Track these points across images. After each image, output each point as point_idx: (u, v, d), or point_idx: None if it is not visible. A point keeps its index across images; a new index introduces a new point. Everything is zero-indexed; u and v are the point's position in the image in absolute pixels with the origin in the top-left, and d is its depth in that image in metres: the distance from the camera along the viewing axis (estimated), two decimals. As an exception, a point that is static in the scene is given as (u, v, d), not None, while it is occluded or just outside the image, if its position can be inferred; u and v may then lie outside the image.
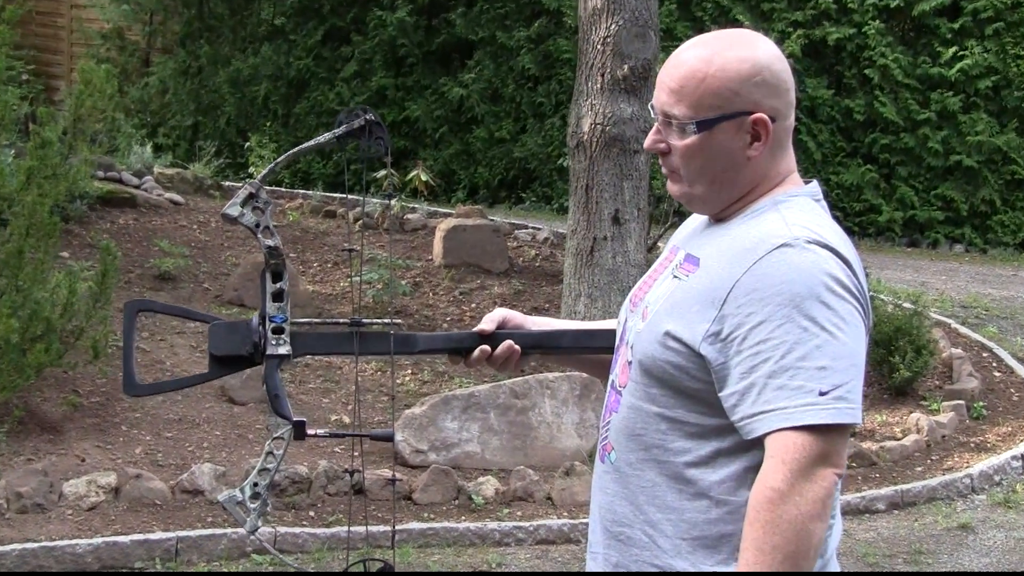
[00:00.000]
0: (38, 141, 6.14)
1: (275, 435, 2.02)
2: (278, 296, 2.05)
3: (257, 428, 6.24)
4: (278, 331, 2.04)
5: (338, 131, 2.10)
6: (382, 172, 10.13)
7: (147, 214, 9.04)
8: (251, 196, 2.06)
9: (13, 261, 5.82)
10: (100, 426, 6.02)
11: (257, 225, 2.06)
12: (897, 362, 7.39)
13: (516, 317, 2.20)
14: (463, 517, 5.58)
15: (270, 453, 2.03)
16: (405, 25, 13.57)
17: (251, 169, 11.33)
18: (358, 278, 7.98)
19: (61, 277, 6.11)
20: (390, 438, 2.13)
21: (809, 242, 1.81)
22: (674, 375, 1.86)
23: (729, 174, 1.90)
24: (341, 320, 2.10)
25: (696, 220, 2.06)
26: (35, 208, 5.94)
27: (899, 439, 6.99)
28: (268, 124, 13.61)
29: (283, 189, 11.27)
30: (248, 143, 12.20)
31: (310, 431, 2.04)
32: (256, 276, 7.83)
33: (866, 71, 12.83)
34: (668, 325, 1.87)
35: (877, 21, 12.72)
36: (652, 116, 1.94)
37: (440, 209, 10.66)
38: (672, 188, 1.96)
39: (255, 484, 2.03)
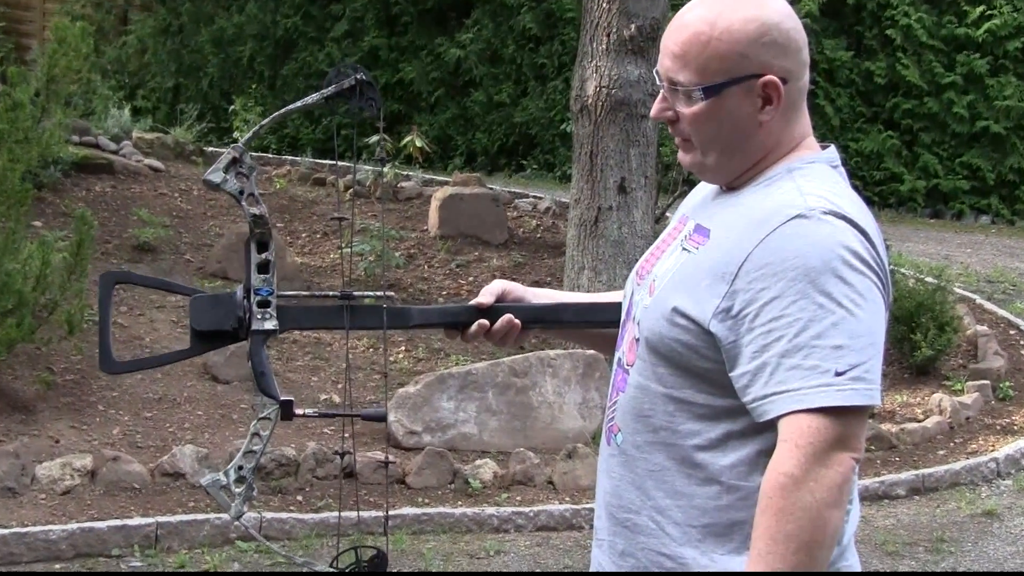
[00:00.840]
0: (8, 103, 6.11)
1: (261, 415, 2.01)
2: (264, 267, 2.03)
3: (242, 408, 6.23)
4: (264, 304, 2.03)
5: (327, 91, 2.07)
6: (374, 137, 10.10)
7: (125, 181, 9.01)
8: (234, 161, 2.04)
9: (-18, 231, 5.80)
10: (75, 405, 6.00)
11: (241, 192, 2.04)
12: (919, 340, 7.37)
13: (516, 289, 2.18)
14: (459, 502, 5.57)
15: (256, 434, 2.01)
16: (399, -19, 13.50)
17: (235, 134, 11.30)
18: (349, 249, 7.95)
19: (34, 248, 6.07)
20: (382, 418, 2.12)
21: (825, 213, 1.79)
22: (682, 354, 1.85)
23: (741, 141, 1.88)
24: (331, 293, 2.08)
25: (707, 187, 2.05)
26: (5, 174, 5.92)
27: (920, 421, 6.99)
28: (254, 86, 13.55)
29: (270, 155, 11.23)
30: (232, 106, 12.15)
31: (298, 411, 2.03)
32: (241, 247, 7.82)
33: (888, 31, 12.78)
34: (676, 300, 1.86)
35: (900, -22, 12.66)
36: (657, 83, 1.91)
37: (436, 177, 10.63)
38: (683, 158, 1.94)
39: (240, 467, 2.01)
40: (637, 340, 1.92)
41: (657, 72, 1.91)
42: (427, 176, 10.40)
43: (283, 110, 2.15)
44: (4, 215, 5.96)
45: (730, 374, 1.80)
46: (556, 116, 12.73)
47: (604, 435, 2.02)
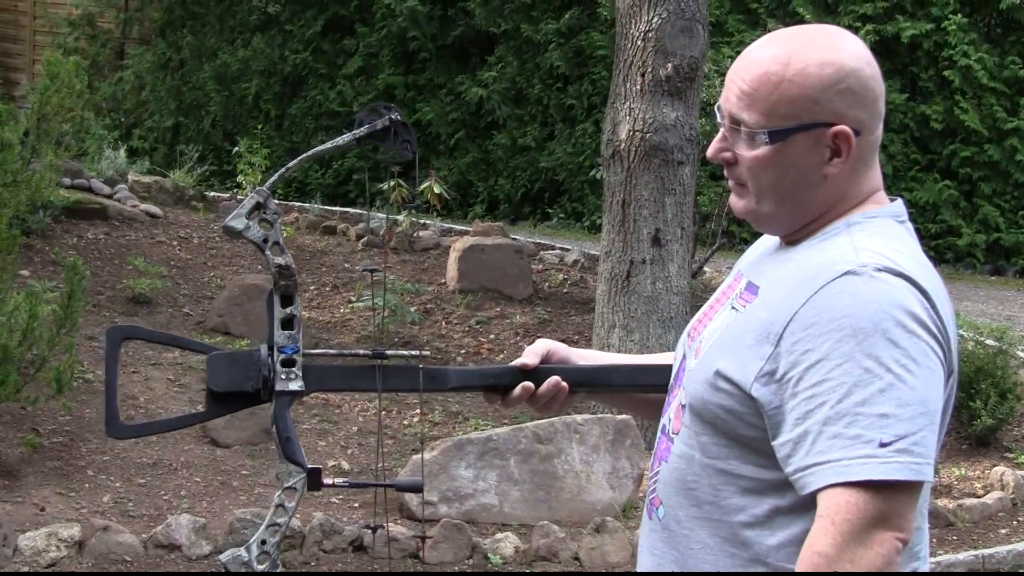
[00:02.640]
0: (-4, 143, 6.18)
1: (286, 484, 1.99)
2: (289, 323, 2.03)
3: (243, 474, 6.24)
4: (289, 363, 2.02)
5: (359, 132, 2.09)
6: (391, 182, 10.17)
7: (120, 228, 9.09)
8: (258, 206, 2.05)
9: (-34, 280, 5.85)
10: (63, 470, 6.03)
11: (265, 240, 2.05)
12: (978, 407, 7.34)
13: (561, 350, 2.19)
14: (477, 579, 5.57)
15: (280, 506, 2.00)
16: (417, 15, 13.65)
17: (239, 178, 11.39)
18: (370, 302, 7.98)
19: (20, 299, 6.12)
20: (419, 488, 2.10)
21: (879, 269, 1.79)
22: (726, 421, 1.85)
23: (802, 192, 1.89)
24: (361, 352, 2.07)
25: (766, 242, 2.06)
26: (-9, 220, 5.97)
27: (980, 496, 6.94)
28: (259, 127, 13.69)
29: (276, 201, 11.29)
30: (236, 148, 12.27)
31: (327, 480, 2.02)
32: (243, 300, 7.91)
33: (945, 72, 12.83)
34: (719, 363, 1.87)
35: (959, 15, 12.73)
36: (719, 120, 1.93)
37: (455, 226, 10.69)
38: (736, 204, 1.95)
39: (263, 542, 2.00)
40: (683, 406, 1.94)
41: (718, 108, 1.93)
42: (445, 225, 10.46)
43: (312, 151, 2.16)
44: (-10, 264, 6.01)
45: (772, 443, 1.81)
46: (585, 161, 12.80)
47: (645, 508, 2.03)
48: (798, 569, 1.75)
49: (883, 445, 1.72)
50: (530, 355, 2.14)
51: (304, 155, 2.17)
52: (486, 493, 6.16)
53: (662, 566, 1.95)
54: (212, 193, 10.84)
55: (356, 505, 6.02)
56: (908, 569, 1.88)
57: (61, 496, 5.80)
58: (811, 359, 1.77)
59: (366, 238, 9.82)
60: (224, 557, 2.01)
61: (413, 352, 2.11)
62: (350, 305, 8.46)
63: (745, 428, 1.84)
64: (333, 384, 2.11)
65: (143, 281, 8.03)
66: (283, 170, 2.14)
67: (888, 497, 1.72)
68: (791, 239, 1.94)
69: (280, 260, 2.04)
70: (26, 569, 5.19)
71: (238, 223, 2.04)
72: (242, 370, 2.03)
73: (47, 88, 6.61)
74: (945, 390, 1.83)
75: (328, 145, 2.14)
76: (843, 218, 1.90)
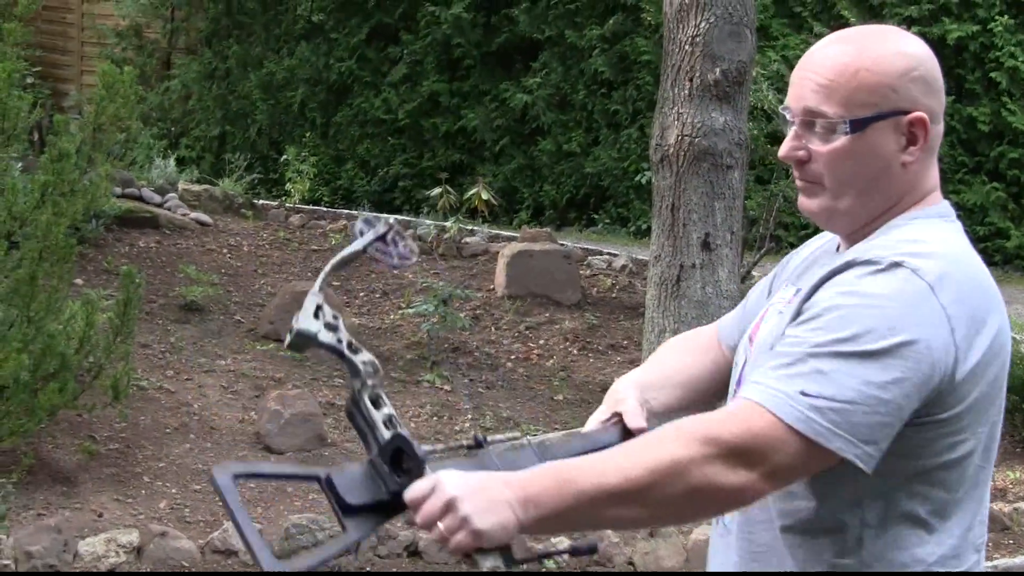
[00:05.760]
0: (54, 153, 6.24)
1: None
2: (390, 421, 1.90)
3: (297, 480, 6.27)
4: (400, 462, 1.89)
5: (366, 240, 1.97)
6: (436, 190, 10.20)
7: (171, 236, 9.17)
8: (319, 308, 1.93)
9: (24, 289, 5.90)
10: (119, 477, 6.08)
11: (339, 341, 1.92)
12: (1032, 411, 7.30)
13: (633, 393, 2.14)
14: (533, 586, 5.57)
15: None
16: (461, 22, 13.68)
17: (287, 186, 11.45)
18: (421, 308, 7.99)
19: (77, 307, 6.18)
20: (594, 550, 1.96)
21: (896, 264, 1.82)
22: None
23: (881, 183, 1.90)
24: (464, 442, 1.98)
25: (809, 249, 2.07)
26: (50, 229, 6.03)
27: (1034, 500, 6.90)
28: (305, 135, 13.75)
29: (324, 209, 11.37)
30: (284, 156, 12.34)
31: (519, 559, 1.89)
32: (294, 307, 7.87)
33: (992, 74, 12.72)
34: (766, 359, 1.88)
35: (1005, 17, 12.62)
36: (788, 119, 1.93)
37: (502, 232, 10.71)
38: (808, 203, 1.94)
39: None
40: None
41: (786, 108, 1.93)
42: (492, 231, 10.48)
43: (337, 259, 2.01)
44: (47, 272, 6.06)
45: None
46: (630, 167, 12.78)
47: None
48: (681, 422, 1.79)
49: (804, 395, 1.74)
50: (633, 415, 2.09)
51: (327, 268, 2.00)
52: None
53: (728, 567, 1.98)
54: (261, 201, 10.90)
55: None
56: (970, 560, 1.88)
57: (118, 502, 5.85)
58: (809, 311, 1.83)
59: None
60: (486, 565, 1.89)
61: (511, 435, 2.03)
62: (400, 311, 8.49)
63: None
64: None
65: (195, 289, 8.09)
66: (323, 274, 1.98)
67: (783, 440, 1.74)
68: (856, 234, 1.94)
69: (365, 356, 1.93)
70: (86, 574, 5.25)
71: (311, 326, 1.90)
72: (370, 480, 1.88)
73: (103, 98, 6.67)
74: (974, 386, 1.82)
75: (346, 252, 1.98)
76: (905, 215, 1.92)
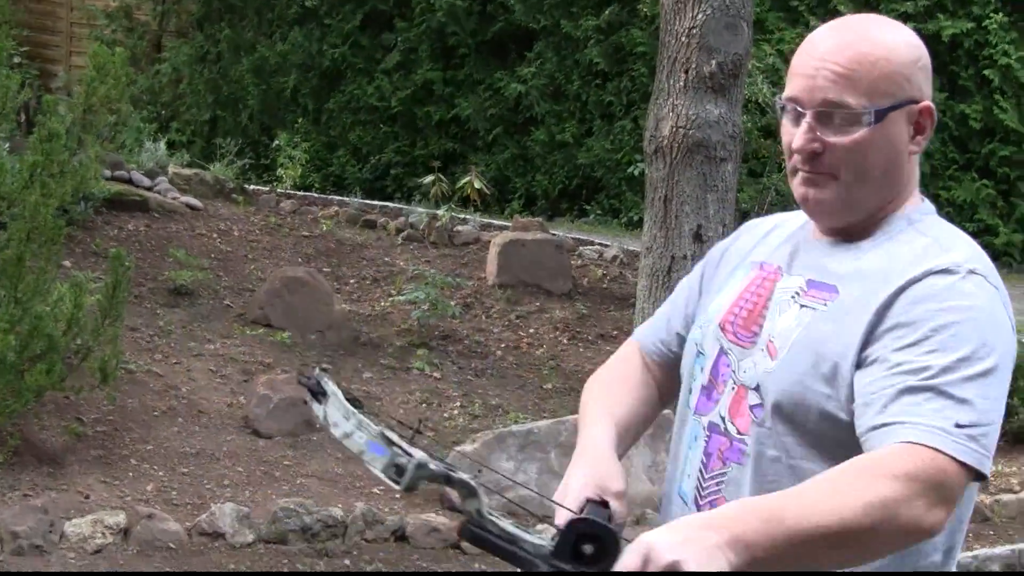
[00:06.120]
0: (43, 134, 6.21)
1: None
2: (522, 527, 1.78)
3: (285, 464, 6.26)
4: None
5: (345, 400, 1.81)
6: (428, 178, 10.19)
7: (160, 219, 9.13)
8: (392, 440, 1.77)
9: (12, 269, 5.88)
10: (106, 459, 6.06)
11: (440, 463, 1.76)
12: (1016, 404, 7.34)
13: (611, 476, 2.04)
14: (517, 570, 5.56)
15: None
16: (456, 10, 13.65)
17: (279, 171, 11.42)
18: (412, 296, 7.96)
19: (65, 289, 6.16)
20: None
21: (972, 272, 1.82)
22: (820, 419, 1.83)
23: (892, 173, 1.90)
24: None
25: (779, 231, 2.05)
26: (38, 210, 6.00)
27: (1017, 492, 6.95)
28: (298, 120, 13.72)
29: (315, 195, 11.34)
30: (276, 142, 12.30)
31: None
32: (284, 292, 7.92)
33: (985, 71, 12.73)
34: (813, 360, 1.85)
35: (1000, 14, 12.63)
36: (792, 112, 1.89)
37: (494, 221, 10.69)
38: (819, 194, 1.90)
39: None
40: (757, 406, 1.91)
41: (794, 100, 1.90)
42: (484, 220, 10.46)
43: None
44: (35, 254, 6.04)
45: (854, 404, 1.79)
46: (623, 158, 12.77)
47: (697, 508, 1.99)
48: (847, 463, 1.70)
49: (958, 427, 1.71)
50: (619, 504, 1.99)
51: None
52: (527, 485, 6.16)
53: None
54: (252, 186, 10.87)
55: (397, 496, 6.03)
56: (947, 569, 1.88)
57: (105, 484, 5.83)
58: (910, 328, 1.77)
59: (405, 232, 9.84)
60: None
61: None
62: (390, 298, 8.48)
63: (833, 427, 1.82)
64: None
65: (184, 273, 8.06)
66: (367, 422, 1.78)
67: (957, 473, 1.70)
68: (848, 233, 1.92)
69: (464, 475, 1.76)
70: (72, 556, 5.23)
71: (421, 456, 1.73)
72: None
73: (93, 79, 6.64)
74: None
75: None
76: (899, 212, 1.91)
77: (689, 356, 2.05)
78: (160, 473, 6.03)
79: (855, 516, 1.63)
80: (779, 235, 2.04)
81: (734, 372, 1.95)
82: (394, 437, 1.74)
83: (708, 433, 1.98)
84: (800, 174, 1.91)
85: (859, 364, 1.81)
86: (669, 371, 2.15)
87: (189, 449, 6.26)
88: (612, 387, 2.17)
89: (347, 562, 5.48)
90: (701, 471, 1.99)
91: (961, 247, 1.87)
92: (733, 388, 1.95)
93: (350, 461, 6.40)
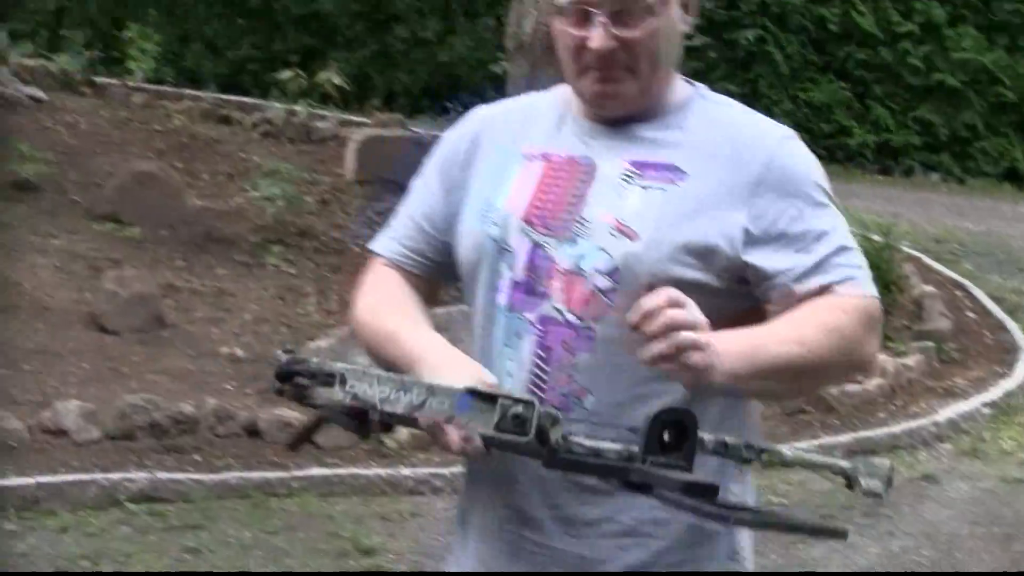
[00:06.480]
0: None
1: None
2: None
3: (133, 361, 6.15)
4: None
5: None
6: (287, 73, 9.98)
7: (2, 111, 8.83)
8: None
9: None
10: (-55, 356, 5.90)
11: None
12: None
13: None
14: (372, 462, 5.57)
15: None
16: (314, -100, 13.33)
17: (130, 64, 11.08)
18: (267, 192, 7.82)
19: None
20: (844, 534, 1.75)
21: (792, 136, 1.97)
22: (687, 292, 1.82)
23: (675, 55, 1.95)
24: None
25: (532, 119, 2.02)
26: None
27: (860, 383, 7.08)
28: (150, 12, 13.31)
29: (167, 88, 11.05)
30: (128, 33, 11.91)
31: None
32: (135, 187, 7.73)
33: (843, -25, 12.90)
34: (682, 239, 1.86)
35: (858, -84, 12.77)
36: (594, 16, 1.86)
37: (353, 118, 10.55)
38: (617, 89, 1.90)
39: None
40: (610, 291, 1.87)
41: (585, 4, 1.87)
42: (343, 116, 10.32)
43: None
44: None
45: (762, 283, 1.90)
46: (486, 57, 12.67)
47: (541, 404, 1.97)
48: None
49: (860, 268, 1.95)
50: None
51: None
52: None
53: None
54: (101, 79, 10.54)
55: (248, 392, 5.97)
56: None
57: (-56, 381, 5.68)
58: (794, 213, 1.89)
59: (262, 128, 9.66)
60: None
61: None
62: (246, 194, 8.33)
63: (706, 294, 1.81)
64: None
65: (28, 166, 7.81)
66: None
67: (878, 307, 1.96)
68: (640, 116, 1.93)
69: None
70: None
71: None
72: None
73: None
74: None
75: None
76: (679, 87, 1.96)
77: (484, 253, 1.98)
78: (1, 370, 5.88)
79: (818, 347, 1.85)
80: (541, 123, 2.01)
81: (556, 263, 1.93)
82: (482, 387, 1.72)
83: (542, 328, 1.94)
84: (593, 72, 1.90)
85: (751, 241, 1.88)
86: (428, 280, 2.12)
87: (32, 346, 6.11)
88: (396, 306, 2.08)
89: (198, 457, 5.41)
90: (539, 365, 1.95)
91: (757, 112, 1.99)
92: (562, 278, 1.93)
93: (201, 357, 6.33)
